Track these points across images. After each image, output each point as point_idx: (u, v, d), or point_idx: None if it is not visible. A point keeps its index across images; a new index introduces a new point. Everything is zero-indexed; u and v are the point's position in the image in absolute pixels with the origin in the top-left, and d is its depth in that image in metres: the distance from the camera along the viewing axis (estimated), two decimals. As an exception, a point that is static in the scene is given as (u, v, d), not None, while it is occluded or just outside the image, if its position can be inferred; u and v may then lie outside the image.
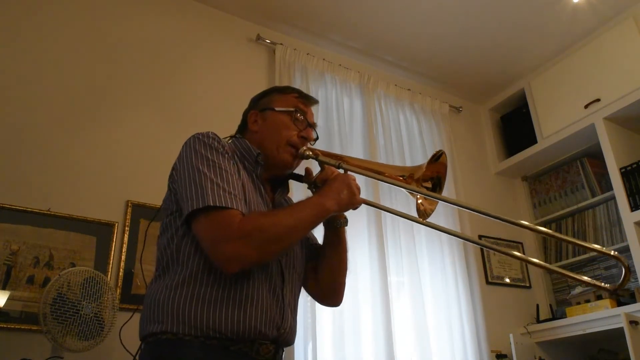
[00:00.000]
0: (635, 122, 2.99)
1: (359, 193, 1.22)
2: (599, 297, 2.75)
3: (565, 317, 2.89)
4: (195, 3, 2.82)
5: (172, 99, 2.53)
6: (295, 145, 1.27)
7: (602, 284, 1.04)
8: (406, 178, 1.25)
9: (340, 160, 1.27)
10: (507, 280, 3.23)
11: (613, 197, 2.94)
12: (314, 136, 1.33)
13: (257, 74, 2.84)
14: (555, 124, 3.22)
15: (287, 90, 1.37)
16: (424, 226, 1.30)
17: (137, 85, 2.47)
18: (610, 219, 3.06)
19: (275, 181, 1.33)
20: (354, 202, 1.20)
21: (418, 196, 1.26)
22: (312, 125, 1.33)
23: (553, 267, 1.24)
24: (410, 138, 3.17)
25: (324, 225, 1.31)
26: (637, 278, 2.72)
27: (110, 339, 1.81)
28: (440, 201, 1.26)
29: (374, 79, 3.15)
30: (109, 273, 2.05)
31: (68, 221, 2.05)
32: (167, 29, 2.68)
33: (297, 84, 2.78)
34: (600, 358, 2.92)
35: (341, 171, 1.25)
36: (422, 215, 1.26)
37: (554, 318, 3.05)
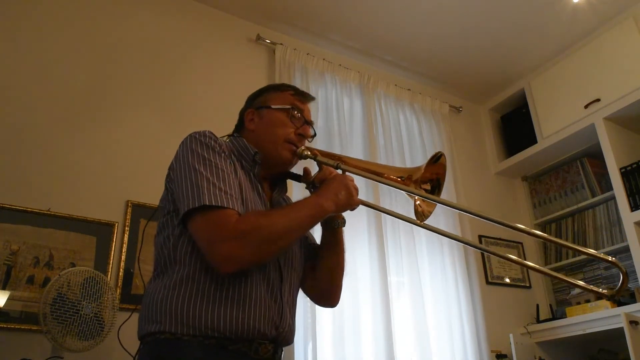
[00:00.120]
0: (635, 122, 2.99)
1: (357, 194, 1.22)
2: (599, 297, 2.75)
3: (565, 317, 2.89)
4: (195, 3, 2.82)
5: (172, 99, 2.53)
6: (293, 143, 1.27)
7: (600, 289, 1.03)
8: (404, 179, 1.24)
9: (339, 160, 1.27)
10: (507, 280, 3.23)
11: (613, 197, 2.94)
12: (312, 133, 1.33)
13: (257, 74, 2.84)
14: (555, 124, 3.22)
15: (283, 88, 1.37)
16: (430, 215, 1.29)
17: (137, 85, 2.47)
18: (610, 219, 3.06)
19: (273, 180, 1.33)
20: (352, 203, 1.20)
21: (416, 198, 1.26)
22: (309, 122, 1.32)
23: (550, 271, 1.23)
24: (410, 138, 3.17)
25: (321, 225, 1.31)
26: (637, 278, 2.72)
27: (110, 339, 1.81)
28: (441, 192, 1.25)
29: (374, 79, 3.15)
30: (109, 273, 2.05)
31: (68, 221, 2.05)
32: (167, 29, 2.68)
33: (297, 84, 2.77)
34: (600, 358, 2.92)
35: (339, 171, 1.25)
36: (420, 217, 1.26)
37: (554, 318, 3.05)
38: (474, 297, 2.87)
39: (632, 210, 2.73)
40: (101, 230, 2.10)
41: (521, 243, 3.43)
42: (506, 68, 3.44)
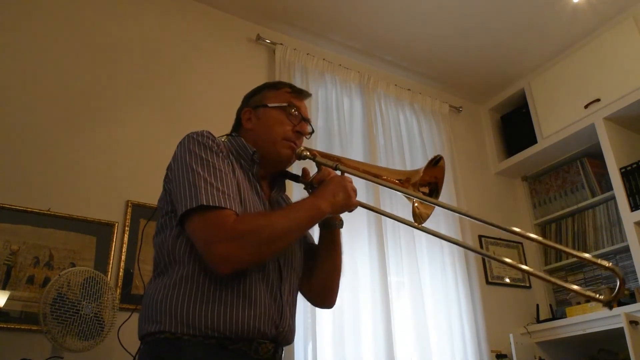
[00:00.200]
0: (635, 122, 2.99)
1: (355, 195, 1.22)
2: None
3: (565, 317, 2.89)
4: (195, 3, 2.82)
5: (172, 99, 2.53)
6: (291, 140, 1.27)
7: (596, 295, 1.01)
8: (403, 182, 1.24)
9: (338, 161, 1.27)
10: (507, 280, 3.23)
11: (613, 197, 2.94)
12: (309, 130, 1.33)
13: (257, 74, 2.84)
14: (555, 124, 3.22)
15: (279, 86, 1.36)
16: (428, 217, 1.29)
17: (137, 85, 2.47)
18: (610, 219, 3.06)
19: (271, 179, 1.33)
20: (350, 205, 1.20)
21: (414, 200, 1.26)
22: (307, 119, 1.32)
23: (544, 275, 1.22)
24: (410, 138, 3.17)
25: (319, 226, 1.31)
26: (637, 278, 2.72)
27: (110, 339, 1.81)
28: (439, 195, 1.25)
29: (374, 79, 3.15)
30: (109, 273, 2.05)
31: (68, 221, 2.05)
32: (167, 29, 2.68)
33: (297, 84, 2.78)
34: (600, 358, 2.92)
35: (338, 173, 1.25)
36: (418, 219, 1.26)
37: (554, 318, 3.05)
38: (474, 297, 2.87)
39: (632, 210, 2.73)
40: (101, 230, 2.10)
41: (521, 243, 3.42)
42: (506, 68, 3.44)
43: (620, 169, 2.84)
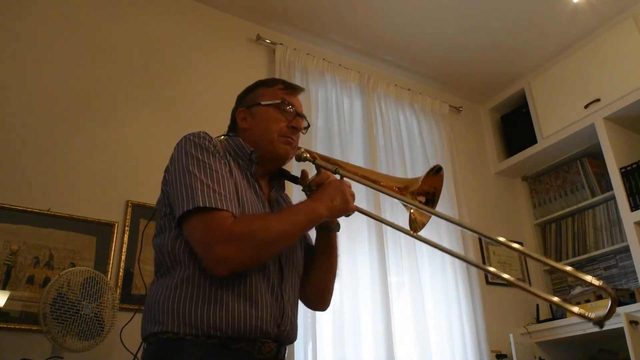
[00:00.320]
0: (635, 122, 2.99)
1: (353, 200, 1.22)
2: (599, 297, 2.75)
3: (565, 317, 2.89)
4: (195, 3, 2.82)
5: (172, 99, 2.53)
6: (287, 136, 1.27)
7: (587, 313, 1.01)
8: (401, 189, 1.25)
9: (338, 165, 1.27)
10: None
11: (613, 197, 2.94)
12: (305, 125, 1.33)
13: (257, 74, 2.83)
14: (555, 124, 3.22)
15: (271, 83, 1.36)
16: (424, 226, 1.29)
17: (137, 85, 2.47)
18: (610, 219, 3.06)
19: (270, 178, 1.33)
20: (347, 209, 1.20)
21: (412, 208, 1.26)
22: (301, 115, 1.32)
23: (542, 297, 1.20)
24: (410, 138, 3.17)
25: (316, 229, 1.31)
26: (637, 278, 2.72)
27: (110, 339, 1.81)
28: (437, 204, 1.26)
29: (374, 79, 3.15)
30: (109, 273, 2.05)
31: (68, 221, 2.05)
32: (167, 29, 2.68)
33: (297, 84, 2.78)
34: (600, 358, 2.92)
35: (337, 176, 1.25)
36: (415, 227, 1.26)
37: (554, 318, 3.05)
38: (474, 297, 2.87)
39: (632, 210, 2.73)
40: (101, 230, 2.10)
41: (521, 243, 3.42)
42: (506, 68, 3.44)
43: (620, 169, 2.84)
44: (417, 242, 2.82)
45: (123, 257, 2.11)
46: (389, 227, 2.71)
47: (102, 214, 2.14)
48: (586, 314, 1.00)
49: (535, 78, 3.42)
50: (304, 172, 1.32)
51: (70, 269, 1.83)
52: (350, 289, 2.45)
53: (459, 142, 3.48)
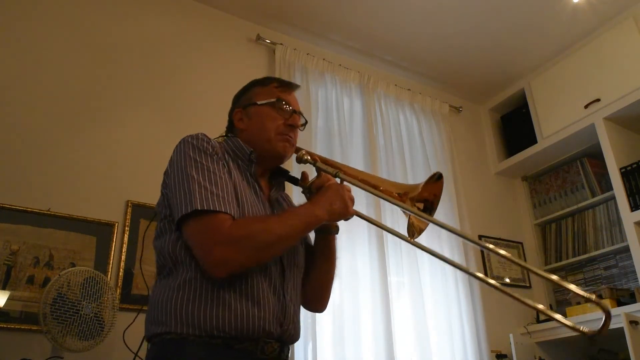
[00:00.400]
0: (635, 122, 2.99)
1: (353, 204, 1.22)
2: (599, 297, 2.75)
3: (566, 317, 2.89)
4: (195, 3, 2.82)
5: (172, 99, 2.53)
6: (285, 133, 1.27)
7: (580, 327, 1.01)
8: (401, 195, 1.25)
9: (338, 169, 1.27)
10: (507, 280, 3.23)
11: (613, 197, 2.94)
12: (301, 121, 1.33)
13: (257, 74, 2.78)
14: (555, 124, 3.22)
15: (266, 82, 1.36)
16: (422, 232, 1.31)
17: (137, 85, 2.47)
18: (610, 219, 3.06)
19: (270, 177, 1.34)
20: (346, 214, 1.20)
21: (410, 214, 1.27)
22: (298, 112, 1.32)
23: (526, 304, 1.19)
24: (410, 138, 3.17)
25: (315, 231, 1.31)
26: (637, 278, 2.72)
27: (110, 339, 1.81)
28: (435, 211, 1.27)
29: (374, 79, 3.15)
30: (109, 273, 2.05)
31: (68, 221, 2.05)
32: (167, 29, 2.68)
33: (297, 83, 2.78)
34: (600, 358, 2.92)
35: (337, 180, 1.25)
36: (413, 233, 1.28)
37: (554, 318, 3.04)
38: (474, 297, 2.87)
39: (632, 210, 2.73)
40: (101, 230, 2.10)
41: (521, 243, 3.43)
42: (506, 68, 3.44)
43: (620, 169, 2.84)
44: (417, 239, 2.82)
45: (123, 257, 2.11)
46: (387, 224, 2.72)
47: (102, 214, 2.14)
48: (579, 328, 1.01)
49: (535, 78, 3.43)
50: (304, 174, 1.32)
51: (70, 269, 1.83)
52: (350, 289, 2.45)
53: (459, 142, 3.48)
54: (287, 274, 1.19)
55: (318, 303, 1.37)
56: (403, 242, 2.74)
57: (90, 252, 2.05)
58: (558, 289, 3.29)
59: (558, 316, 1.04)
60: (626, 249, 2.83)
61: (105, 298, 1.81)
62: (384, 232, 2.66)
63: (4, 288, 1.85)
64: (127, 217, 2.18)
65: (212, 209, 1.05)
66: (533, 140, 3.34)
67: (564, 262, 3.24)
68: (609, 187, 2.95)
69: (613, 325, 2.45)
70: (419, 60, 3.34)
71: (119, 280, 2.07)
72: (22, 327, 1.83)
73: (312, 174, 1.32)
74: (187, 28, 2.74)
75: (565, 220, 3.33)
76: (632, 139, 3.05)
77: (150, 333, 1.09)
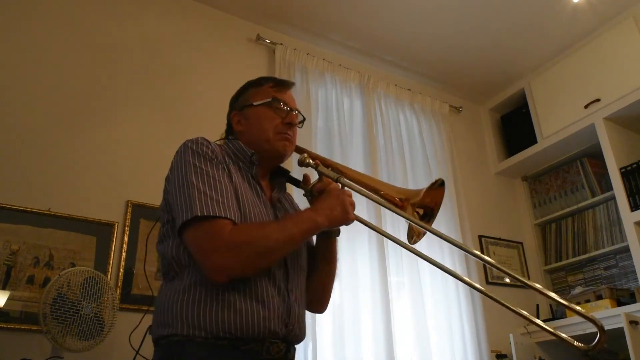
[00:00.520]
0: (635, 122, 2.99)
1: (354, 210, 1.22)
2: (599, 297, 2.75)
3: (565, 317, 2.89)
4: (195, 3, 2.82)
5: (172, 99, 2.53)
6: (283, 132, 1.27)
7: (574, 342, 1.02)
8: (403, 200, 1.25)
9: (340, 174, 1.27)
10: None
11: (613, 197, 2.94)
12: (299, 119, 1.33)
13: (257, 74, 2.77)
14: (555, 124, 3.22)
15: (261, 82, 1.36)
16: (422, 237, 1.32)
17: (137, 85, 2.47)
18: (610, 219, 3.06)
19: (271, 178, 1.34)
20: (347, 220, 1.20)
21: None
22: (294, 109, 1.32)
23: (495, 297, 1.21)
24: (410, 138, 3.17)
25: (316, 235, 1.31)
26: (637, 278, 2.72)
27: (110, 339, 1.81)
28: (435, 218, 1.28)
29: (374, 79, 3.15)
30: (109, 273, 2.05)
31: (68, 221, 2.05)
32: (167, 29, 2.68)
33: (298, 84, 2.78)
34: (600, 358, 2.91)
35: (339, 185, 1.25)
36: (413, 237, 1.28)
37: (554, 318, 3.05)
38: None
39: (632, 210, 2.73)
40: (101, 230, 2.10)
41: (521, 243, 3.43)
42: (506, 68, 3.44)
43: (620, 169, 2.84)
44: (417, 243, 2.82)
45: (123, 257, 2.11)
46: (389, 228, 2.72)
47: (102, 214, 2.14)
48: (574, 343, 1.03)
49: (535, 78, 3.43)
50: (306, 177, 1.32)
51: (70, 269, 1.83)
52: (350, 289, 2.45)
53: (459, 142, 3.48)
54: (291, 274, 1.19)
55: (319, 304, 1.37)
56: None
57: (90, 252, 2.05)
58: (558, 288, 3.29)
59: (564, 335, 1.06)
60: (626, 249, 2.83)
61: (105, 298, 1.81)
62: (384, 232, 2.66)
63: (4, 288, 1.85)
64: (127, 217, 2.18)
65: (212, 214, 1.05)
66: (533, 140, 3.34)
67: (564, 262, 3.24)
68: (609, 187, 2.95)
69: (613, 325, 2.48)
70: (419, 60, 3.34)
71: (119, 280, 2.07)
72: (22, 327, 1.83)
73: (313, 175, 1.32)
74: (187, 28, 2.74)
75: (565, 220, 3.33)
76: (632, 139, 3.05)
77: (156, 335, 1.10)
